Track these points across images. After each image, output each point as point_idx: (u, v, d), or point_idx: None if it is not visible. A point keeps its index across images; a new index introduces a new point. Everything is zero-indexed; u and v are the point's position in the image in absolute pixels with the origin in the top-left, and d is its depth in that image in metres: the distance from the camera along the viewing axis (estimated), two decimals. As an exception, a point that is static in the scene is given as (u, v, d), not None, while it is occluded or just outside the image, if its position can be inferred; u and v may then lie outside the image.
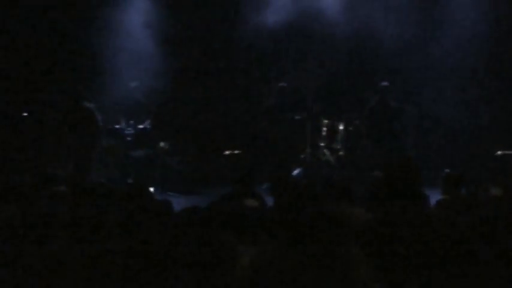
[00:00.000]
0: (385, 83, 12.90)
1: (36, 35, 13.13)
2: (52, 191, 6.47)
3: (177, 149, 13.20)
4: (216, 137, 13.73)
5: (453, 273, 4.00)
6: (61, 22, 13.23)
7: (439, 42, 13.20)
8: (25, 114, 13.10)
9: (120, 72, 12.83)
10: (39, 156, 12.45)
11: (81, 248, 4.51)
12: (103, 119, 12.35)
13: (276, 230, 4.77)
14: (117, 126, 12.77)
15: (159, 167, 12.75)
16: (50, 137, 12.83)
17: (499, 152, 12.55)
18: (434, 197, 6.71)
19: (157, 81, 13.12)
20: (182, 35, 13.81)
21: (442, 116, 13.51)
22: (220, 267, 3.79)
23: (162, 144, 12.94)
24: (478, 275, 4.02)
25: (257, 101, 13.96)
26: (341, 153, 13.15)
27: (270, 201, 6.64)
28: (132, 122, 12.81)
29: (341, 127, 13.15)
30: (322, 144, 13.15)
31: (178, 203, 6.86)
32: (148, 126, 12.86)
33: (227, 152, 13.35)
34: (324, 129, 13.14)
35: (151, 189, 11.27)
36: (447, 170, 9.01)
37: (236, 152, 13.32)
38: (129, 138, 12.71)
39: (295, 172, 12.84)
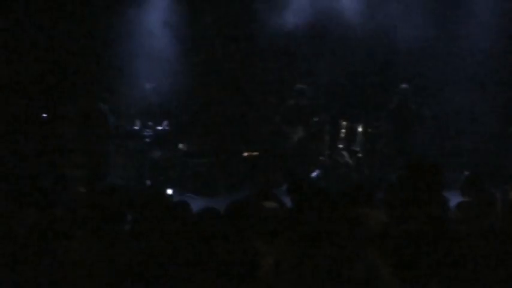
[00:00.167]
0: (404, 85, 12.85)
1: (53, 35, 13.14)
2: (71, 192, 6.50)
3: (196, 151, 13.20)
4: (235, 138, 13.72)
5: (473, 276, 3.98)
6: (78, 22, 13.23)
7: (460, 43, 13.14)
8: (44, 115, 13.12)
9: (138, 73, 12.85)
10: (58, 157, 12.47)
11: (99, 249, 4.52)
12: (121, 120, 12.38)
13: (295, 231, 4.75)
14: (135, 128, 12.79)
15: (178, 168, 12.77)
16: (68, 139, 12.86)
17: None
18: (453, 199, 6.67)
19: (176, 82, 13.12)
20: (201, 36, 13.80)
21: (462, 117, 13.44)
22: (242, 268, 3.78)
23: (180, 145, 12.96)
24: (498, 277, 3.99)
25: (276, 103, 13.93)
26: (360, 155, 13.11)
27: (288, 202, 6.62)
28: (150, 123, 12.83)
29: (360, 129, 13.11)
30: (340, 146, 13.11)
31: (197, 204, 6.86)
32: (166, 128, 12.87)
33: (245, 154, 13.33)
34: (343, 131, 13.10)
35: (170, 190, 11.29)
36: (467, 172, 8.95)
37: (254, 153, 13.30)
38: (147, 140, 12.73)
39: (314, 174, 12.81)
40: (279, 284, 3.75)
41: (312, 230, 4.04)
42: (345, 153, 13.08)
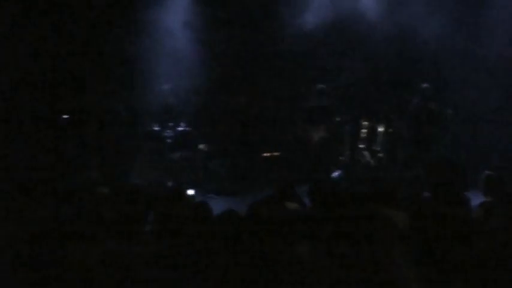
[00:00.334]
0: (426, 85, 12.82)
1: (71, 35, 13.17)
2: (94, 192, 6.52)
3: (217, 151, 13.22)
4: (256, 138, 13.72)
5: (495, 276, 3.96)
6: (97, 22, 13.26)
7: (481, 42, 13.08)
8: (65, 116, 13.17)
9: (157, 73, 12.88)
10: (81, 158, 12.51)
11: (119, 249, 4.54)
12: (142, 121, 12.42)
13: (316, 232, 4.76)
14: (156, 129, 12.84)
15: (199, 169, 12.79)
16: (90, 139, 12.91)
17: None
18: (475, 199, 6.65)
19: (196, 83, 13.15)
20: (220, 36, 13.82)
21: (483, 118, 13.39)
22: (264, 269, 3.80)
23: (201, 146, 12.99)
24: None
25: (297, 103, 13.92)
26: (380, 155, 13.09)
27: (309, 203, 6.62)
28: (171, 124, 12.87)
29: (381, 129, 13.10)
30: (361, 146, 13.10)
31: (218, 204, 6.88)
32: (187, 129, 12.90)
33: (267, 154, 13.34)
34: (364, 131, 13.09)
35: (192, 191, 11.31)
36: (488, 172, 8.91)
37: (275, 153, 13.31)
38: (168, 141, 12.77)
39: (335, 174, 12.80)
40: (302, 284, 3.76)
41: (333, 230, 4.04)
42: (366, 153, 13.07)
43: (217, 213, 4.97)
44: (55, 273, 4.47)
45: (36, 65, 12.87)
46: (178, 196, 6.32)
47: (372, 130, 13.11)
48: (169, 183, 12.20)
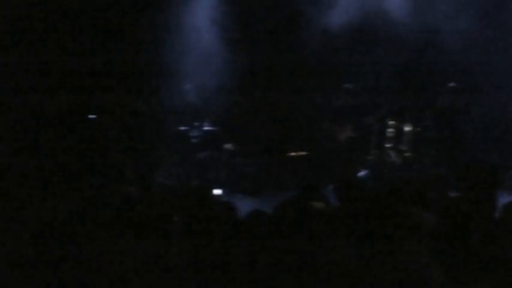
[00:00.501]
0: (453, 84, 12.76)
1: (97, 34, 13.19)
2: (122, 191, 6.54)
3: (243, 151, 13.23)
4: (282, 138, 13.71)
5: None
6: (121, 20, 13.25)
7: (510, 41, 12.99)
8: (92, 116, 13.22)
9: (183, 72, 12.88)
10: (108, 157, 12.56)
11: (146, 249, 4.55)
12: (168, 121, 12.46)
13: (343, 232, 4.75)
14: (182, 128, 12.87)
15: (226, 168, 12.81)
16: (116, 138, 12.95)
17: None
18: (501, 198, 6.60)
19: (223, 82, 13.15)
20: (247, 34, 13.80)
21: (510, 116, 13.30)
22: (291, 269, 3.80)
23: (228, 145, 13.00)
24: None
25: (324, 102, 13.89)
26: (407, 154, 13.04)
27: (335, 203, 6.60)
28: (198, 123, 12.90)
29: (407, 128, 13.04)
30: (388, 145, 13.05)
31: (244, 204, 6.89)
32: (213, 128, 12.92)
33: (293, 154, 13.33)
34: (390, 130, 13.05)
35: (219, 191, 11.34)
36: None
37: (302, 153, 13.29)
38: (195, 140, 12.79)
39: (361, 174, 12.77)
40: (330, 284, 3.76)
41: (360, 230, 4.04)
42: (392, 152, 13.03)
43: (244, 213, 4.97)
44: (81, 275, 4.48)
45: (63, 64, 12.90)
46: (205, 196, 6.34)
47: (399, 129, 13.06)
48: (196, 183, 12.23)
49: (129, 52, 13.16)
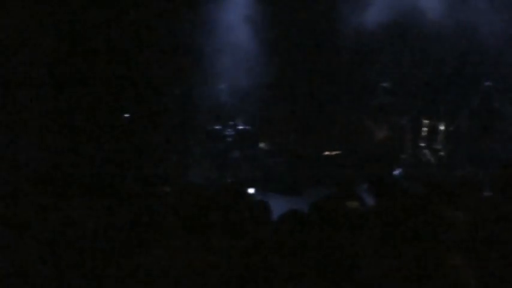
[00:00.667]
0: (488, 83, 12.67)
1: (130, 34, 13.21)
2: (156, 191, 6.56)
3: (277, 149, 13.23)
4: (316, 136, 13.68)
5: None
6: (155, 20, 13.27)
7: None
8: (127, 115, 13.28)
9: (218, 71, 12.89)
10: (142, 156, 12.61)
11: (179, 249, 4.55)
12: (202, 120, 12.49)
13: (378, 232, 4.73)
14: (216, 127, 12.90)
15: (259, 167, 12.82)
16: (151, 137, 13.00)
17: None
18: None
19: (257, 80, 13.14)
20: (281, 33, 13.77)
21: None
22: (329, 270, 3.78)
23: (262, 144, 13.01)
24: None
25: (358, 101, 13.84)
26: (442, 153, 12.97)
27: (369, 202, 6.58)
28: (232, 122, 12.92)
29: (442, 127, 12.97)
30: (422, 144, 12.99)
31: (278, 203, 6.88)
32: (247, 127, 12.94)
33: (327, 153, 13.31)
34: (425, 129, 12.99)
35: (252, 190, 11.34)
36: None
37: (336, 152, 13.26)
38: (229, 139, 12.82)
39: (395, 172, 12.73)
40: (366, 285, 3.75)
41: (395, 230, 4.02)
42: (426, 151, 12.97)
43: (280, 213, 4.97)
44: (115, 279, 4.49)
45: (97, 63, 12.97)
46: (238, 195, 6.34)
47: (433, 128, 13.00)
48: (230, 182, 12.26)
49: (163, 52, 13.22)
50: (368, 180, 10.65)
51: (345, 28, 13.29)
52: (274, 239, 4.38)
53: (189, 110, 13.18)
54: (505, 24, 12.73)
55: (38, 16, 12.37)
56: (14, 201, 5.95)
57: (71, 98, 12.74)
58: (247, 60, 13.04)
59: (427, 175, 12.48)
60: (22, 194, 6.22)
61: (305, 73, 13.98)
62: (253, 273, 4.14)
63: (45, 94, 12.55)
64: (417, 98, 13.79)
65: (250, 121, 13.11)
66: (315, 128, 13.76)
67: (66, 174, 9.76)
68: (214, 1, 13.12)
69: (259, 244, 4.25)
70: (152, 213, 5.17)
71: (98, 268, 4.61)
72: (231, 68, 12.89)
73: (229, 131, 12.85)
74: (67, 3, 12.68)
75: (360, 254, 4.01)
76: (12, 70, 12.15)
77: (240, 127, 12.93)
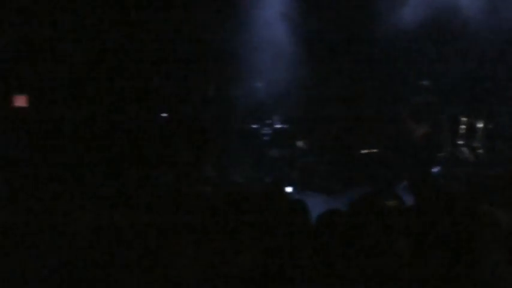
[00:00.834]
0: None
1: (167, 32, 13.21)
2: (197, 191, 6.59)
3: (315, 148, 13.20)
4: (355, 135, 13.62)
5: None
6: (192, 18, 13.26)
7: None
8: (164, 115, 13.31)
9: (255, 69, 12.87)
10: (181, 156, 12.64)
11: (216, 247, 4.57)
12: (240, 119, 12.51)
13: (417, 230, 4.72)
14: (254, 126, 12.91)
15: (297, 166, 12.81)
16: (189, 137, 13.02)
17: None
18: None
19: (294, 79, 13.12)
20: (318, 31, 13.71)
21: None
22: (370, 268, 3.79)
23: (299, 143, 13.00)
24: None
25: (398, 100, 13.76)
26: (480, 151, 12.88)
27: (408, 200, 6.55)
28: (269, 121, 12.93)
29: (480, 125, 12.89)
30: (461, 142, 12.91)
31: (316, 203, 6.88)
32: (285, 126, 12.94)
33: (365, 151, 13.26)
34: (463, 127, 12.91)
35: (289, 188, 11.34)
36: None
37: (374, 150, 13.21)
38: (266, 138, 12.83)
39: (434, 171, 12.66)
40: (405, 282, 3.74)
41: (434, 228, 4.00)
42: (465, 149, 12.89)
43: (318, 213, 4.97)
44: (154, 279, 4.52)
45: (133, 60, 13.00)
46: (277, 193, 6.35)
47: (472, 126, 12.92)
48: (268, 181, 12.27)
49: (200, 50, 13.23)
50: (407, 179, 10.66)
51: (384, 25, 13.21)
52: (312, 238, 4.39)
53: (226, 109, 13.19)
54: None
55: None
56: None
57: (109, 96, 12.79)
58: (284, 59, 13.01)
59: (466, 173, 12.40)
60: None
61: (342, 71, 13.91)
62: (291, 273, 4.15)
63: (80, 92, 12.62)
64: (456, 96, 13.69)
65: (287, 120, 13.10)
66: (353, 127, 13.70)
67: (107, 174, 9.85)
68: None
69: (297, 243, 4.26)
70: (195, 213, 5.20)
71: (137, 264, 4.64)
72: (268, 66, 12.87)
73: (266, 130, 12.86)
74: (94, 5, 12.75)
75: (399, 253, 4.00)
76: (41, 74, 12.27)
77: (277, 126, 12.93)
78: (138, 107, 12.92)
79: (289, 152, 12.93)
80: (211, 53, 13.26)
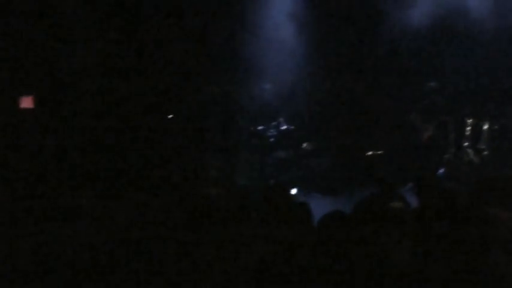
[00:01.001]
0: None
1: (175, 34, 13.21)
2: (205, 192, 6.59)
3: (320, 150, 13.20)
4: (360, 136, 13.62)
5: None
6: (199, 19, 13.24)
7: None
8: (171, 116, 13.32)
9: (261, 70, 12.86)
10: (186, 157, 12.64)
11: (223, 247, 4.58)
12: (246, 120, 12.52)
13: (422, 232, 4.72)
14: (259, 127, 12.92)
15: (302, 167, 12.81)
16: (195, 138, 13.02)
17: None
18: None
19: (300, 80, 13.11)
20: (326, 33, 13.70)
21: None
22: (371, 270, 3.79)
23: (305, 145, 13.00)
24: None
25: (404, 101, 13.75)
26: (485, 153, 12.87)
27: (412, 202, 6.56)
28: (274, 123, 12.94)
29: (486, 127, 12.88)
30: (466, 144, 12.90)
31: (321, 204, 6.89)
32: (290, 127, 12.94)
33: (370, 153, 13.26)
34: (469, 128, 12.90)
35: (295, 190, 11.35)
36: None
37: (379, 152, 13.22)
38: (272, 139, 12.83)
39: (439, 172, 12.66)
40: (407, 284, 3.75)
41: (439, 230, 4.01)
42: (470, 151, 12.88)
43: (322, 214, 4.98)
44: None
45: (138, 64, 13.00)
46: (281, 195, 6.35)
47: (477, 128, 12.91)
48: (273, 183, 12.27)
49: (207, 51, 13.22)
50: (412, 180, 10.65)
51: (392, 26, 13.20)
52: (315, 239, 4.40)
53: (232, 110, 13.20)
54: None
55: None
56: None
57: (113, 100, 12.79)
58: (291, 60, 13.01)
59: (470, 175, 12.40)
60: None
61: (349, 73, 13.91)
62: (294, 274, 4.15)
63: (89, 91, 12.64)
64: (462, 97, 13.68)
65: (293, 121, 13.10)
66: (358, 128, 13.69)
67: (111, 174, 9.86)
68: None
69: (300, 245, 4.27)
70: (202, 214, 5.21)
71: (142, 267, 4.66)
72: (275, 68, 12.87)
73: (272, 131, 12.87)
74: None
75: (403, 254, 4.01)
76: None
77: (283, 127, 12.93)
78: (141, 108, 12.93)
79: (295, 153, 12.93)
80: (218, 53, 13.26)
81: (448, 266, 3.77)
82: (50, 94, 12.26)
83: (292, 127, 13.01)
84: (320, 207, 5.68)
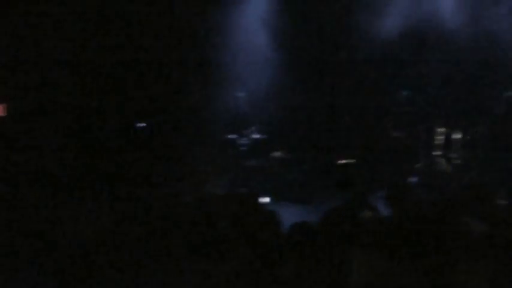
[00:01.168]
0: (507, 91, 12.63)
1: (147, 42, 13.15)
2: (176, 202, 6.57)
3: (292, 159, 13.19)
4: (331, 145, 13.62)
5: None
6: (171, 26, 13.18)
7: None
8: (143, 124, 13.25)
9: (233, 79, 12.83)
10: (158, 166, 12.59)
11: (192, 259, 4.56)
12: (217, 129, 12.48)
13: (394, 242, 4.68)
14: (231, 136, 12.89)
15: (273, 176, 12.79)
16: (167, 147, 12.98)
17: None
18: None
19: (272, 89, 13.09)
20: (300, 41, 13.70)
21: None
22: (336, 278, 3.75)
23: (276, 153, 12.98)
24: None
25: (375, 110, 13.78)
26: (457, 162, 12.91)
27: (384, 210, 6.54)
28: (246, 131, 12.91)
29: (458, 136, 12.92)
30: (438, 153, 12.94)
31: (292, 213, 6.84)
32: (262, 136, 12.93)
33: (341, 161, 13.25)
34: (441, 137, 12.94)
35: (266, 199, 11.32)
36: None
37: (350, 161, 13.21)
38: (243, 148, 12.81)
39: (411, 181, 12.67)
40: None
41: (409, 238, 3.97)
42: (442, 160, 12.91)
43: (290, 223, 4.94)
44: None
45: (112, 73, 12.95)
46: (251, 204, 6.31)
47: (449, 137, 12.95)
48: (243, 191, 12.23)
49: (178, 60, 13.17)
50: (383, 189, 10.63)
51: (364, 35, 13.21)
52: (283, 249, 4.36)
53: (204, 119, 13.14)
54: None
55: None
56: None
57: (87, 108, 12.75)
58: (264, 69, 12.99)
59: (442, 184, 12.43)
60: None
61: (321, 82, 13.92)
62: (263, 282, 4.12)
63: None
64: (434, 106, 13.72)
65: (264, 130, 13.07)
66: (328, 137, 13.69)
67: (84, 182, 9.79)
68: (231, 6, 13.05)
69: (268, 253, 4.23)
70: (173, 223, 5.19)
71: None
72: (248, 75, 12.84)
73: (243, 140, 12.84)
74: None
75: (372, 263, 3.97)
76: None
77: (255, 136, 12.91)
78: (117, 116, 12.87)
79: (266, 162, 12.91)
80: (191, 62, 13.23)
81: (420, 275, 3.73)
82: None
83: (264, 136, 12.97)
84: (291, 216, 5.63)
